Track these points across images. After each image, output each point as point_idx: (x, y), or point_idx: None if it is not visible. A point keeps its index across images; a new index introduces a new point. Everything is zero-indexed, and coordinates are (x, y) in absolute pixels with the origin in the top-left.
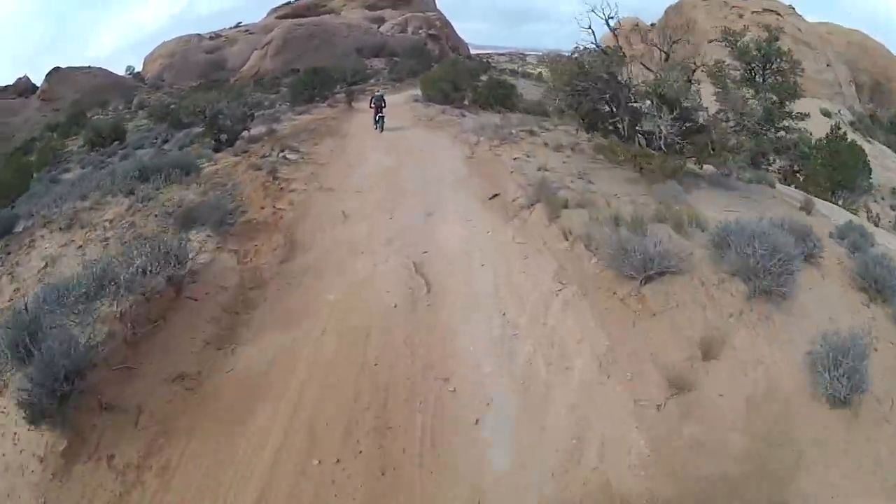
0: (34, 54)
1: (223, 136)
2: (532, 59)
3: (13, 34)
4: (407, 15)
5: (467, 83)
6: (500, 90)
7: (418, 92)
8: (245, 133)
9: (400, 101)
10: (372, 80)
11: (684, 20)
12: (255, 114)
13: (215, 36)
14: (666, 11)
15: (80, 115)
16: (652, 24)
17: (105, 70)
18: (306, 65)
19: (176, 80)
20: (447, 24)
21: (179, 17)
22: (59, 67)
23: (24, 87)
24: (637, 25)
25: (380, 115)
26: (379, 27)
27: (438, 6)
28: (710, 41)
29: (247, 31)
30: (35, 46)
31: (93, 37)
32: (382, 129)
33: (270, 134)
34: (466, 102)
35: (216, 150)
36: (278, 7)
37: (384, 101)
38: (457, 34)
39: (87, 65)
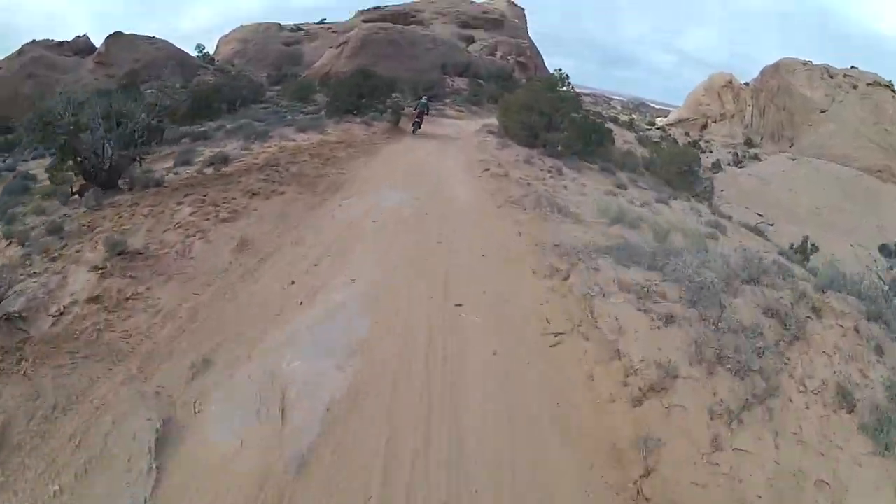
0: (127, 18)
1: (94, 170)
2: (616, 105)
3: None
4: (498, 38)
5: (566, 119)
6: (595, 132)
7: (496, 121)
8: (135, 167)
9: (470, 131)
10: (447, 100)
11: (783, 83)
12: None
13: (296, 29)
14: (762, 72)
15: (132, 86)
16: (746, 84)
17: (169, 43)
18: (382, 72)
19: (246, 67)
20: (538, 54)
21: (274, 5)
22: (120, 32)
23: (81, 46)
24: (730, 83)
25: (417, 120)
26: (467, 46)
27: (530, 35)
28: (823, 111)
29: (330, 28)
30: (130, 10)
31: (187, 11)
32: (414, 132)
33: (212, 168)
34: (559, 148)
35: (81, 193)
36: (366, 10)
37: (427, 108)
38: (545, 66)
39: (152, 35)
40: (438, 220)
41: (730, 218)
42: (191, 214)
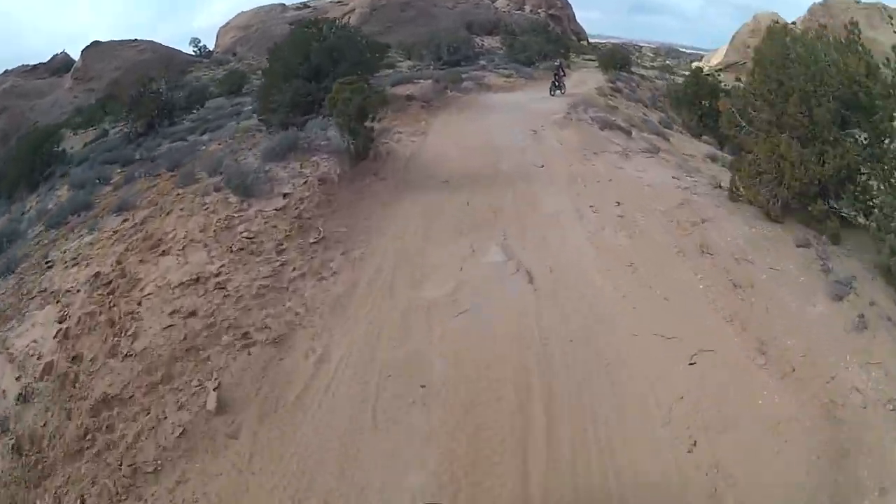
0: (148, 22)
1: None
2: (648, 52)
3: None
4: None
5: None
6: None
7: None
8: None
9: (557, 128)
10: (482, 61)
11: (837, 24)
12: None
13: (302, 6)
14: (811, 9)
15: (111, 98)
16: (793, 23)
17: (154, 43)
18: (398, 39)
19: (249, 55)
20: (568, 4)
21: None
22: (98, 41)
23: (59, 65)
24: (776, 23)
25: (555, 81)
26: (494, 2)
27: None
28: None
29: (339, 1)
30: (150, 14)
31: (202, 8)
32: (553, 92)
33: None
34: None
35: None
36: None
37: (563, 69)
38: (576, 19)
39: (134, 38)
40: None
41: None
42: None
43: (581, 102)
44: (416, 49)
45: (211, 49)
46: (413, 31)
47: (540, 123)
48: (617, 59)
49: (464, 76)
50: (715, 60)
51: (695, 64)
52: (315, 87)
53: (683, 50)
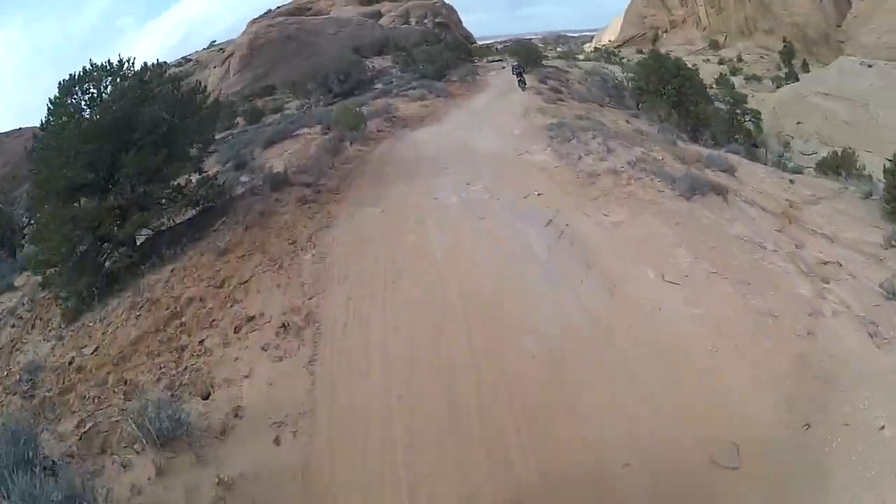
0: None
1: None
2: (537, 44)
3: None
4: (407, 4)
5: None
6: None
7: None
8: None
9: (550, 197)
10: (379, 85)
11: None
12: None
13: (183, 61)
14: None
15: None
16: None
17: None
18: (284, 77)
19: None
20: (453, 10)
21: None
22: None
23: None
24: None
25: (520, 79)
26: (377, 21)
27: None
28: None
29: (221, 49)
30: (41, 94)
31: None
32: (523, 87)
33: None
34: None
35: None
36: (256, 18)
37: (522, 67)
38: (462, 24)
39: (17, 126)
40: None
41: None
42: None
43: (562, 127)
44: (300, 86)
45: None
46: (299, 66)
47: (534, 190)
48: (532, 55)
49: (365, 112)
50: (607, 37)
51: (586, 46)
52: (99, 205)
53: (572, 35)
